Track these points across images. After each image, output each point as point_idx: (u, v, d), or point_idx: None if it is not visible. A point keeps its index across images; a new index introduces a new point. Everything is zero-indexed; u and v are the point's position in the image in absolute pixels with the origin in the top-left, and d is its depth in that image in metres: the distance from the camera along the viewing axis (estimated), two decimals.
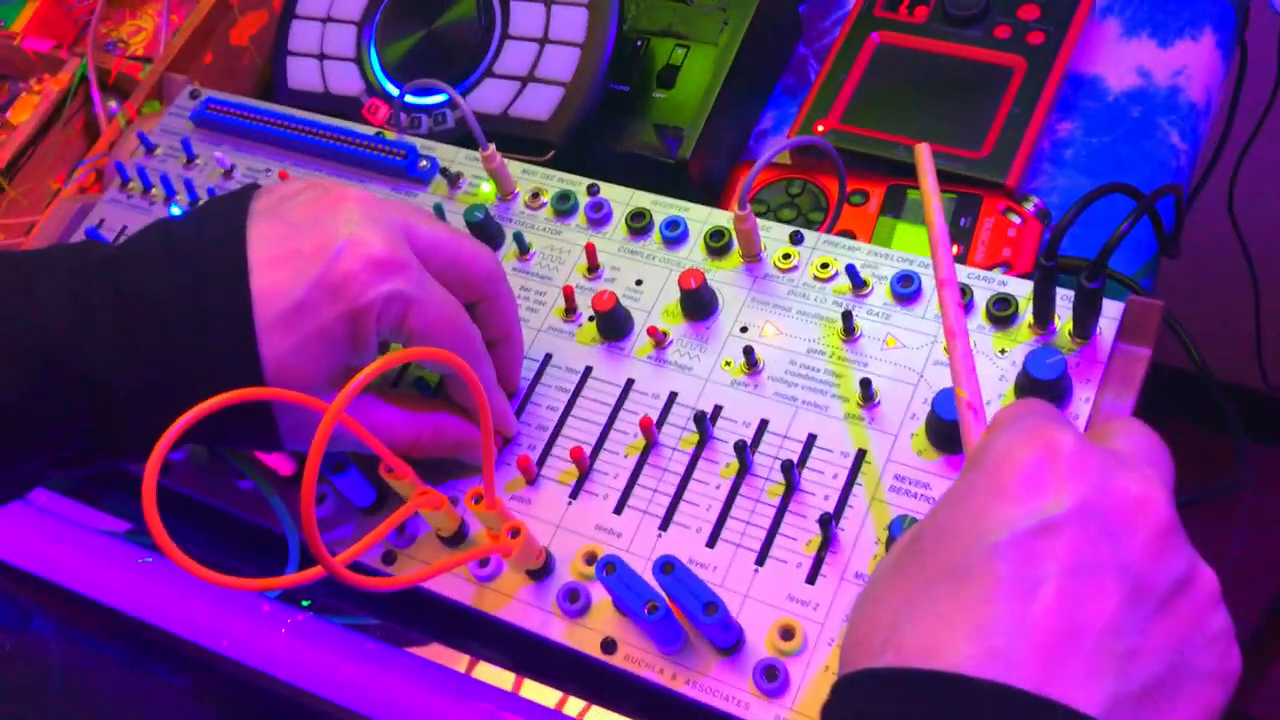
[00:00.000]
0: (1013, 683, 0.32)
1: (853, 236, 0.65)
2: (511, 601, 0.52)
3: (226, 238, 0.47)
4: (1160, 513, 0.35)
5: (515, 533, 0.50)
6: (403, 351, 0.44)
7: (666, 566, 0.47)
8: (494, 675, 0.54)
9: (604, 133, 0.69)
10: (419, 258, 0.49)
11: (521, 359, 0.56)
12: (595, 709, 0.52)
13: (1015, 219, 0.64)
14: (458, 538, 0.54)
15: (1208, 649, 0.35)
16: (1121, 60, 0.71)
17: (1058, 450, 0.36)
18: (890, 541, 0.49)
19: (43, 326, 0.46)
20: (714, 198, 0.70)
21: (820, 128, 0.69)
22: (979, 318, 0.54)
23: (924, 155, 0.52)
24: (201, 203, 0.66)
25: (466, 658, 0.55)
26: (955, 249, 0.63)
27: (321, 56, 0.74)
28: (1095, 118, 0.69)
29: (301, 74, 0.74)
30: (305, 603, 0.58)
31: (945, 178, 0.65)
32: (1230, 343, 1.38)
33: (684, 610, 0.47)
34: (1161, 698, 0.34)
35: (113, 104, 0.80)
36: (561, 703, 0.53)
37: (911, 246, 0.64)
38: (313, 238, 0.47)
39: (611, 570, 0.48)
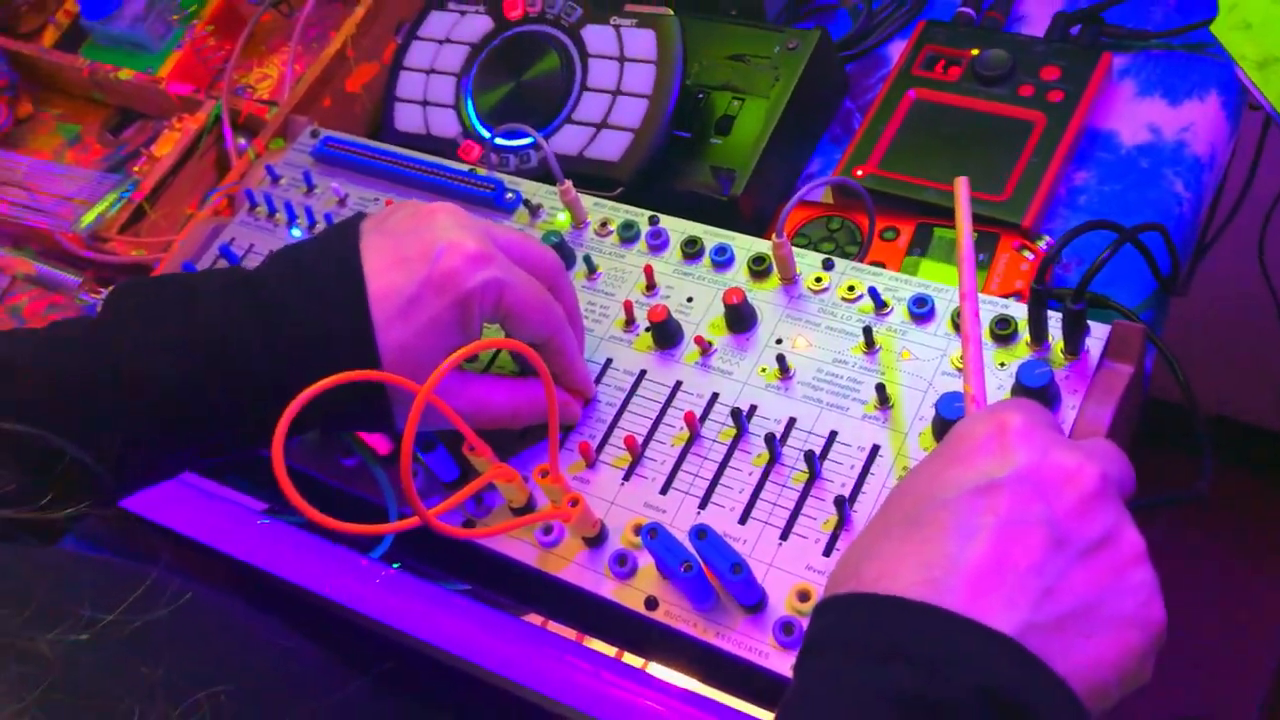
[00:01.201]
0: (943, 605, 0.40)
1: (883, 267, 0.74)
2: (570, 564, 0.61)
3: (343, 254, 0.58)
4: (1089, 481, 0.43)
5: (574, 502, 0.59)
6: (485, 340, 0.54)
7: (700, 533, 0.56)
8: (558, 630, 0.63)
9: (666, 172, 0.78)
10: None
11: (584, 335, 0.66)
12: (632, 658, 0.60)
13: (1028, 255, 0.72)
14: (526, 509, 0.63)
15: (1129, 596, 0.43)
16: (1134, 117, 0.78)
17: (1007, 426, 0.44)
18: None
19: (203, 329, 0.56)
20: (762, 232, 0.79)
21: (859, 172, 0.78)
22: (984, 335, 0.62)
23: (962, 187, 0.60)
24: (319, 227, 0.77)
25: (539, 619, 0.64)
26: None
27: (425, 103, 0.85)
28: (1108, 168, 0.77)
29: (407, 118, 0.85)
30: (396, 565, 0.67)
31: None
32: (1261, 386, 1.43)
33: (714, 570, 0.56)
34: (1076, 631, 0.41)
35: (241, 140, 0.92)
36: (619, 654, 0.62)
37: (935, 278, 0.72)
38: (416, 245, 0.57)
39: (654, 535, 0.57)
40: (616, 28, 0.80)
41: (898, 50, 0.86)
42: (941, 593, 0.40)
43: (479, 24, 0.85)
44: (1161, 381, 0.67)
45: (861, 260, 0.72)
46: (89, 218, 0.88)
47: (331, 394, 0.51)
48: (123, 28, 0.99)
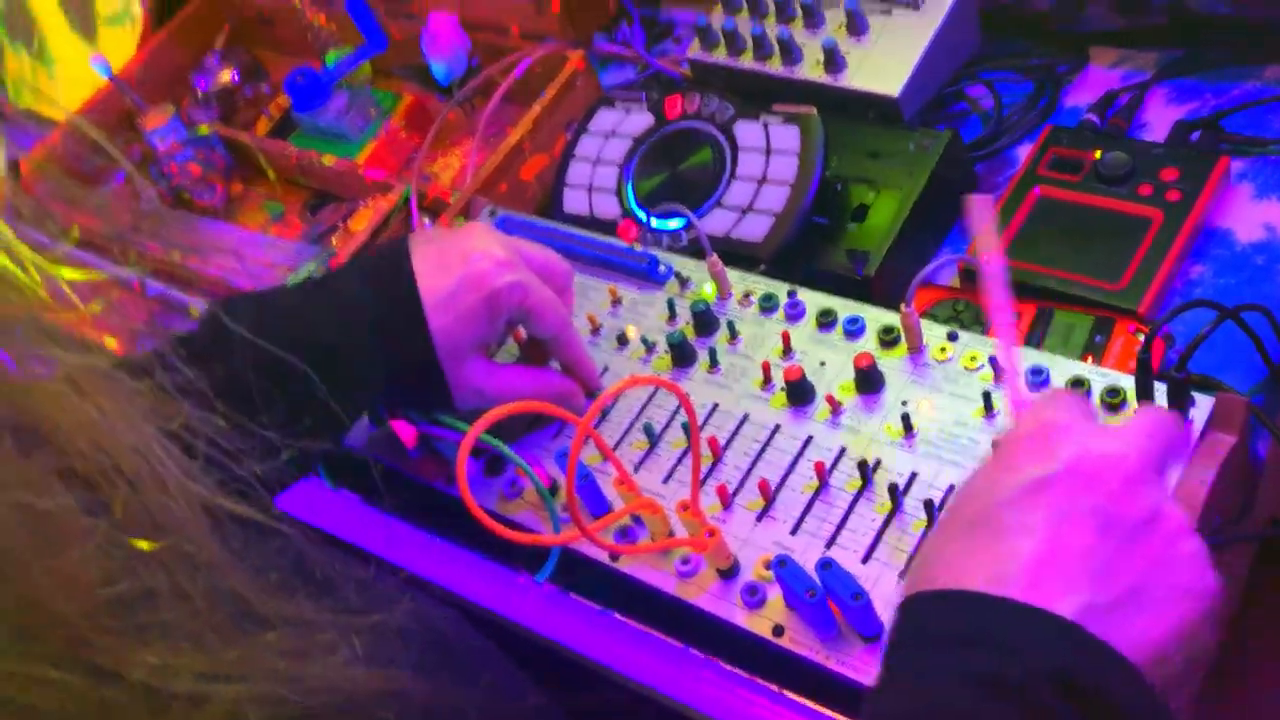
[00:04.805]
0: (1009, 596, 0.46)
1: None
2: (704, 593, 0.68)
3: (397, 258, 0.72)
4: (1129, 466, 0.48)
5: (711, 534, 0.66)
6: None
7: (825, 564, 0.62)
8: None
9: (805, 253, 0.86)
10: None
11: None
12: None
13: (1142, 339, 0.77)
14: (668, 538, 0.70)
15: (1181, 569, 0.47)
16: (1251, 217, 0.83)
17: (1050, 426, 0.50)
18: None
19: (300, 321, 0.70)
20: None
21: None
22: (1095, 403, 0.67)
23: (974, 205, 0.58)
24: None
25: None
26: (1088, 360, 0.76)
27: (590, 188, 0.95)
28: (1224, 263, 0.82)
29: (574, 201, 0.95)
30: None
31: (1086, 303, 0.79)
32: None
33: (836, 600, 0.62)
34: (1134, 608, 0.45)
35: (426, 220, 1.04)
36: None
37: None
38: (455, 251, 0.72)
39: (783, 565, 0.63)
40: (765, 124, 0.89)
41: (1025, 152, 0.92)
42: (1007, 585, 0.46)
43: (641, 120, 0.95)
44: None
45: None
46: (291, 283, 1.00)
47: (400, 374, 0.70)
48: (328, 121, 1.13)
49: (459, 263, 0.71)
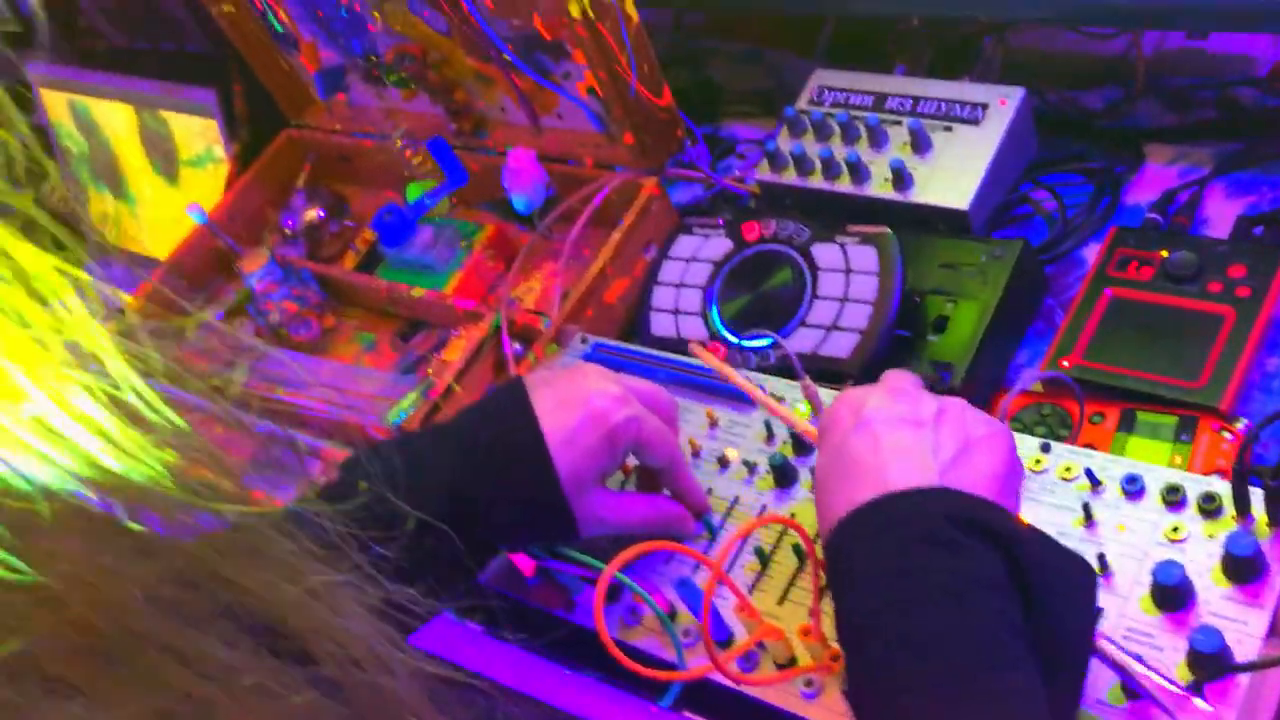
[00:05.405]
0: (884, 491, 0.62)
1: (1093, 448, 0.83)
2: (831, 714, 0.71)
3: (518, 402, 0.76)
4: (906, 384, 0.69)
5: (836, 658, 0.69)
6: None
7: None
8: None
9: (889, 365, 0.90)
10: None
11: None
12: None
13: (1227, 436, 0.80)
14: (789, 663, 0.73)
15: (979, 425, 0.66)
16: None
17: (844, 397, 0.69)
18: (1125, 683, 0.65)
19: (435, 470, 0.75)
20: None
21: (1065, 363, 0.88)
22: (1191, 509, 0.70)
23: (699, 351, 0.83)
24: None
25: None
26: (1176, 460, 0.79)
27: (676, 312, 1.00)
28: None
29: (661, 324, 1.00)
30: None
31: (1168, 402, 0.82)
32: None
33: None
34: (965, 458, 0.64)
35: (517, 345, 1.09)
36: None
37: (1141, 456, 0.81)
38: (573, 392, 0.76)
39: None
40: (842, 245, 0.94)
41: (1091, 252, 0.96)
42: (889, 485, 0.62)
43: (721, 245, 1.00)
44: None
45: (1073, 442, 0.81)
46: (395, 414, 1.05)
47: (528, 512, 0.75)
48: (414, 254, 1.19)
49: (578, 402, 0.76)
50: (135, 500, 0.39)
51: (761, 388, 0.83)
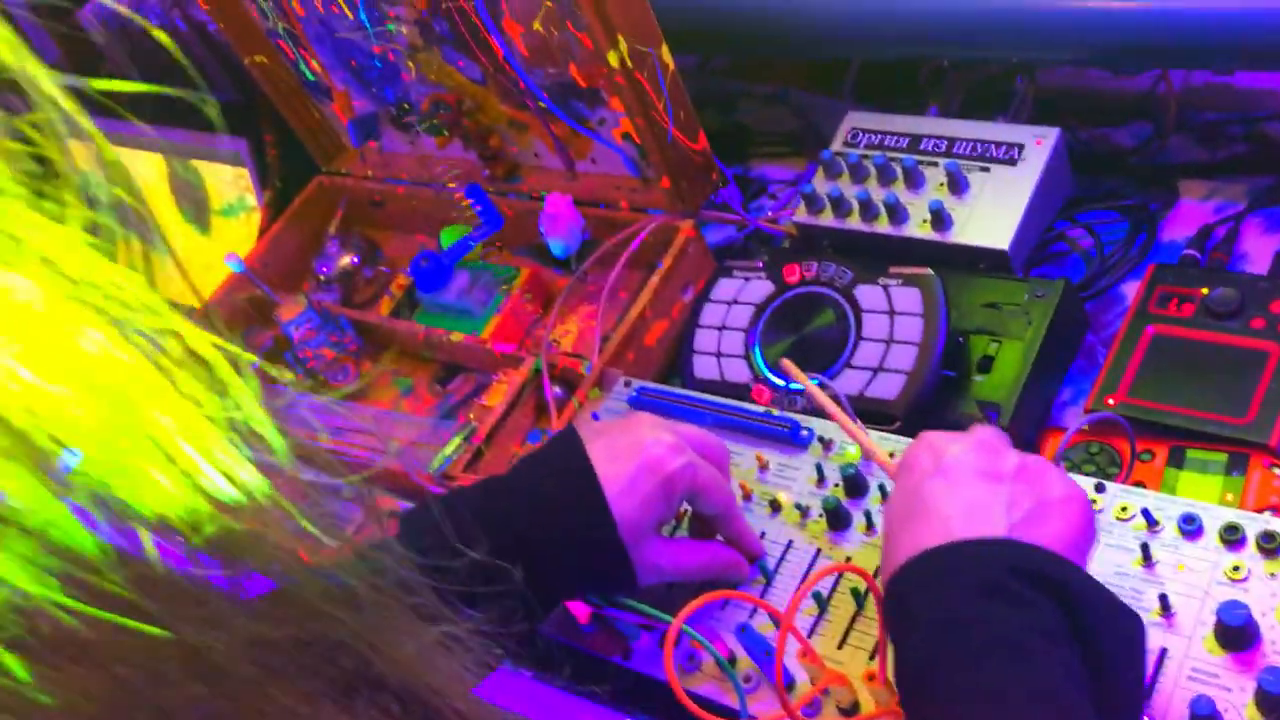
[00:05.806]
0: (952, 539, 0.64)
1: (1144, 486, 0.83)
2: None
3: (574, 453, 0.77)
4: (989, 438, 0.70)
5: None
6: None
7: None
8: None
9: (937, 407, 0.91)
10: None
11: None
12: None
13: (1278, 472, 0.80)
14: (852, 709, 0.74)
15: (1055, 487, 0.67)
16: None
17: (924, 441, 0.72)
18: None
19: (497, 521, 0.75)
20: None
21: (1111, 401, 0.88)
22: (1251, 548, 0.71)
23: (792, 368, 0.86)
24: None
25: None
26: (1228, 497, 0.80)
27: (719, 355, 1.01)
28: None
29: (704, 367, 1.01)
30: None
31: (1217, 439, 0.83)
32: None
33: None
34: (1039, 519, 0.65)
35: (556, 389, 1.09)
36: None
37: (1192, 493, 0.82)
38: (628, 441, 0.77)
39: None
40: (885, 287, 0.95)
41: (1130, 288, 0.97)
42: (953, 533, 0.64)
43: (762, 288, 1.01)
44: None
45: (1124, 480, 0.82)
46: (438, 461, 1.06)
47: (588, 561, 0.75)
48: (451, 299, 1.20)
49: (634, 451, 0.77)
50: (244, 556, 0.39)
51: (852, 417, 0.84)
